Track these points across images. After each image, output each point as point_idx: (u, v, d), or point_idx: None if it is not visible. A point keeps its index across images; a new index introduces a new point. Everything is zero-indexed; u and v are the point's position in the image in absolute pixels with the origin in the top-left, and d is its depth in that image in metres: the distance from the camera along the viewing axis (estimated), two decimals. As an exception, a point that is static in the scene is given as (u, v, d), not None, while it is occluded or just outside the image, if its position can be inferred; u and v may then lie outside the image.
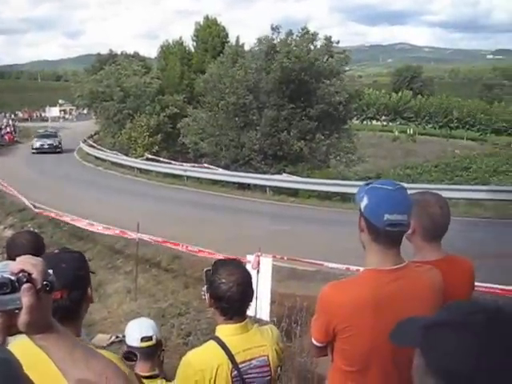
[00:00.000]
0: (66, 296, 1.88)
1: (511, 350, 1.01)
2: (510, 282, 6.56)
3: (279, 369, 3.27)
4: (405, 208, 2.12)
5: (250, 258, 6.39)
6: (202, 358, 2.49)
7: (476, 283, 6.32)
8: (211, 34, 38.94)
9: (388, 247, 2.16)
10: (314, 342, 2.35)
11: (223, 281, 2.49)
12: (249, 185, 20.33)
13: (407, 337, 1.16)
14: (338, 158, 26.30)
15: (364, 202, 2.16)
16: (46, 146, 34.93)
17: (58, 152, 34.67)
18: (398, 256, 2.20)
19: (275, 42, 27.13)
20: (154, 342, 3.14)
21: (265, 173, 22.74)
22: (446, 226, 2.57)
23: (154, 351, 3.15)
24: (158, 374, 3.15)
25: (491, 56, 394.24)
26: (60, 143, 36.13)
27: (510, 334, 1.03)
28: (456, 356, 1.03)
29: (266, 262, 6.30)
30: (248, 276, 2.59)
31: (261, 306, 6.08)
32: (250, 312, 6.13)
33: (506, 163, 37.29)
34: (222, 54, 30.06)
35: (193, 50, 40.61)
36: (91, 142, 36.47)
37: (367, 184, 2.25)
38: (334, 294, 2.22)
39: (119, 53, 47.52)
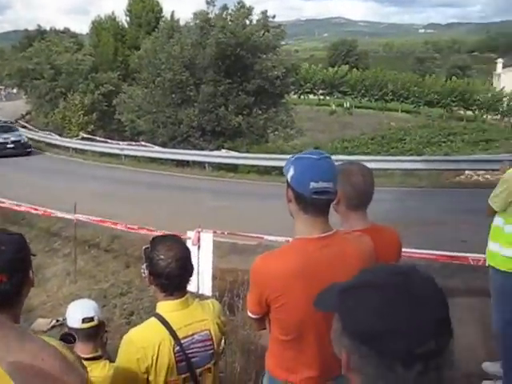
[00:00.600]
0: (7, 280, 1.80)
1: (419, 311, 1.05)
2: (444, 248, 6.84)
3: (223, 342, 3.30)
4: (330, 176, 2.14)
5: (191, 234, 6.37)
6: (144, 336, 2.48)
7: (410, 250, 6.58)
8: (145, 9, 38.05)
9: (315, 215, 2.18)
10: (250, 315, 2.40)
11: (162, 257, 2.47)
12: (188, 162, 20.23)
13: (327, 302, 1.19)
14: (276, 132, 26.47)
15: (290, 173, 2.18)
16: (11, 146, 23.62)
17: (27, 154, 23.85)
18: (327, 224, 2.23)
19: (210, 16, 26.81)
20: (95, 322, 3.09)
21: (203, 149, 22.64)
22: (369, 194, 2.63)
23: (96, 332, 3.11)
24: (101, 355, 3.12)
25: (423, 30, 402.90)
26: (28, 140, 25.50)
27: (423, 295, 1.07)
28: (369, 317, 1.07)
29: (207, 238, 6.30)
30: (186, 251, 2.58)
31: (203, 281, 6.09)
32: (192, 288, 6.16)
33: (438, 134, 38.58)
34: (156, 30, 29.48)
35: (126, 25, 39.61)
36: (23, 123, 35.14)
37: (293, 156, 2.27)
38: (263, 265, 2.25)
39: (48, 29, 45.92)
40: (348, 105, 53.33)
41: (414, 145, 34.50)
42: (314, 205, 2.14)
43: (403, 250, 6.86)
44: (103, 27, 39.23)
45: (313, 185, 2.09)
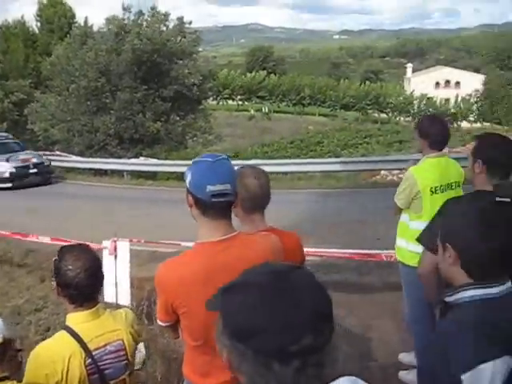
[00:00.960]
0: None
1: (294, 308, 1.06)
2: (361, 246, 7.03)
3: (144, 352, 3.21)
4: (226, 178, 2.14)
5: (107, 243, 6.20)
6: (52, 349, 2.42)
7: (327, 249, 6.68)
8: (56, 14, 36.82)
9: (216, 218, 2.18)
10: (160, 323, 2.41)
11: (70, 267, 2.44)
12: (106, 171, 19.74)
13: (215, 302, 1.19)
14: (195, 138, 26.36)
15: (188, 178, 2.18)
16: (33, 171, 16.96)
17: (50, 182, 17.48)
18: (229, 227, 2.23)
19: (126, 22, 26.38)
20: (0, 341, 2.94)
21: (121, 157, 22.19)
22: (263, 197, 2.64)
23: (2, 352, 2.95)
24: (7, 375, 2.95)
25: (337, 36, 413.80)
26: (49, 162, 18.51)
27: (299, 292, 1.08)
28: (244, 315, 1.08)
29: (123, 247, 6.15)
30: (96, 260, 2.54)
31: (121, 291, 5.95)
32: (109, 298, 5.98)
33: (355, 137, 39.83)
34: (69, 35, 28.67)
35: (37, 30, 38.21)
36: None
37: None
38: (165, 272, 2.25)
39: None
40: (266, 110, 53.97)
41: (332, 147, 35.37)
42: (214, 208, 2.14)
43: (322, 250, 6.99)
44: (12, 32, 37.53)
45: (210, 188, 2.09)
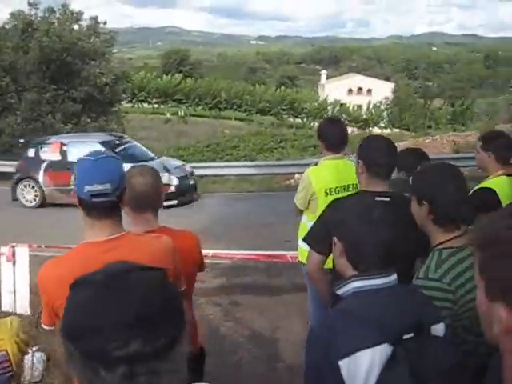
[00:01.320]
0: None
1: (121, 310, 0.99)
2: (272, 248, 7.10)
3: (43, 361, 3.06)
4: (106, 177, 2.07)
5: (4, 249, 5.89)
6: None
7: (234, 251, 6.67)
8: (-42, 9, 35.03)
9: (100, 219, 2.12)
10: (44, 326, 2.27)
11: None
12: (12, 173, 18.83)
13: None
14: (107, 141, 25.70)
15: (73, 177, 2.11)
16: (192, 183, 13.90)
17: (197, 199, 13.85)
18: (117, 226, 2.17)
19: (33, 19, 25.33)
20: None
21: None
22: (151, 196, 2.60)
23: None
24: None
25: (254, 42, 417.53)
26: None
27: (125, 293, 1.02)
28: (71, 313, 1.03)
29: (22, 252, 5.86)
30: None
31: (19, 299, 5.68)
32: (7, 307, 5.68)
33: (270, 141, 40.18)
34: (-30, 31, 27.22)
35: None
36: None
37: None
38: (44, 273, 2.16)
39: None
40: (182, 113, 53.55)
41: (247, 151, 35.53)
42: (96, 208, 2.08)
43: (230, 252, 6.97)
44: None
45: (88, 188, 2.03)
